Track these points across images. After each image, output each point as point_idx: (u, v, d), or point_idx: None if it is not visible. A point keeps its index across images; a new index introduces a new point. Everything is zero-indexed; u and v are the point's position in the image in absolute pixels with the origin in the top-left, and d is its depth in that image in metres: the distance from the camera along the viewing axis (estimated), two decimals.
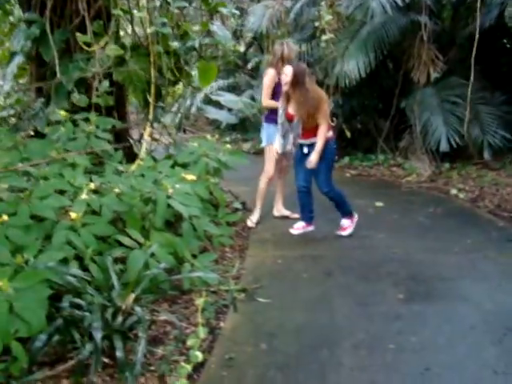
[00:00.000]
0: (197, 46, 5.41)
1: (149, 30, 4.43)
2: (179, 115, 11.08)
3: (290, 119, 4.57)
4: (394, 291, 3.63)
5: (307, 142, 4.54)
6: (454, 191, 6.50)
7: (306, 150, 4.54)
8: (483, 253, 4.39)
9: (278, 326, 3.19)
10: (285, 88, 4.44)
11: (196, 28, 5.32)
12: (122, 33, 5.62)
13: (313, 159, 4.43)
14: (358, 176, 7.77)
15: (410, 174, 7.37)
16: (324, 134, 4.44)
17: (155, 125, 5.60)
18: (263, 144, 5.24)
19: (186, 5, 5.09)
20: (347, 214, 4.82)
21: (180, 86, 6.75)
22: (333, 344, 2.96)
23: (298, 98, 4.42)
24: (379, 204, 5.86)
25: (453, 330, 3.10)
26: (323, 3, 7.82)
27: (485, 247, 4.54)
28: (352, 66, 7.18)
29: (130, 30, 5.49)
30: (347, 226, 4.81)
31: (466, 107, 7.46)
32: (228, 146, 5.21)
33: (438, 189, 6.75)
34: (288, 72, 4.39)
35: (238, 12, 5.80)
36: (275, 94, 4.93)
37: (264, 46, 11.00)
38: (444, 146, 7.07)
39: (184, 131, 11.40)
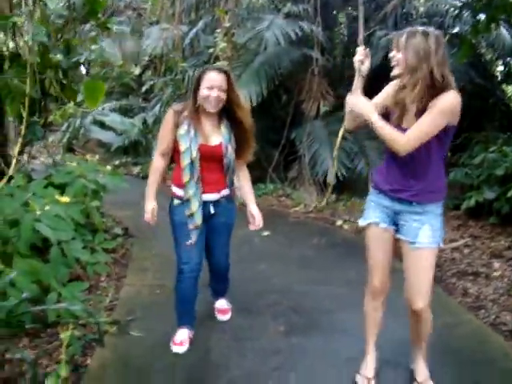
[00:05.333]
0: (82, 60, 5.12)
1: (26, 38, 4.11)
2: (67, 135, 10.59)
3: None
4: (274, 324, 3.53)
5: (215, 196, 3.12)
6: (339, 222, 6.63)
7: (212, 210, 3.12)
8: (364, 285, 4.43)
9: (149, 363, 2.97)
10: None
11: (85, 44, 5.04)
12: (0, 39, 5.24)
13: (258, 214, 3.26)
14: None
15: (298, 204, 7.45)
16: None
17: (39, 143, 5.22)
18: None
19: (64, 13, 4.79)
20: (226, 290, 3.72)
21: (71, 104, 6.41)
22: (207, 383, 2.79)
23: None
24: (265, 233, 5.82)
25: (330, 362, 3.05)
26: (219, 30, 7.85)
27: (365, 279, 4.59)
28: (244, 95, 7.20)
29: (9, 39, 5.10)
30: (228, 307, 3.72)
31: (352, 141, 7.77)
32: (108, 167, 4.93)
33: (324, 219, 6.86)
34: None
35: (127, 29, 5.57)
36: None
37: (159, 69, 10.85)
38: (331, 178, 7.25)
39: (73, 152, 10.91)
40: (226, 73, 2.93)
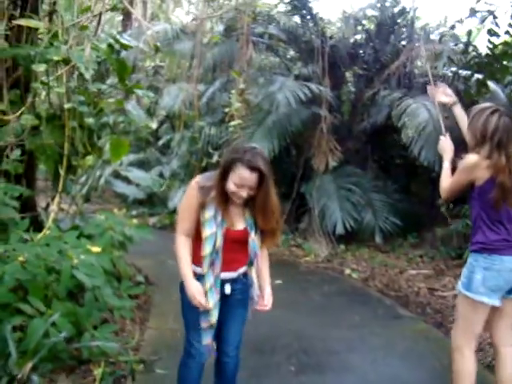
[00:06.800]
0: (111, 122, 5.62)
1: (66, 106, 4.61)
2: (87, 186, 11.08)
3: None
4: (286, 364, 3.86)
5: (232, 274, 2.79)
6: (347, 271, 6.97)
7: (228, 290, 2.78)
8: (370, 328, 4.76)
9: None
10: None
11: (111, 106, 5.54)
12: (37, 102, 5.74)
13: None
14: None
15: (309, 254, 7.79)
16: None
17: (63, 195, 5.65)
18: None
19: (105, 87, 5.34)
20: None
21: (90, 157, 6.88)
22: None
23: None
24: (278, 282, 6.13)
25: None
26: (233, 91, 8.43)
27: (372, 323, 4.92)
28: None
29: (46, 102, 5.61)
30: None
31: (360, 194, 8.19)
32: (134, 220, 5.35)
33: (334, 269, 7.20)
34: None
35: (152, 94, 6.09)
36: None
37: (176, 125, 11.42)
38: (339, 229, 7.63)
39: (91, 202, 11.37)
40: (260, 172, 2.50)
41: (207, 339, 2.74)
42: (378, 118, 8.58)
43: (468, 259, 2.98)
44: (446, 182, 3.04)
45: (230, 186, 2.55)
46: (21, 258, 3.65)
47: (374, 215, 7.99)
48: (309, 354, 4.06)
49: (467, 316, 2.97)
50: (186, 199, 2.73)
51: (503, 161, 2.81)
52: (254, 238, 2.71)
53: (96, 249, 4.23)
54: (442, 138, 3.29)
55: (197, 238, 2.69)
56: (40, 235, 4.23)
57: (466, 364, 2.94)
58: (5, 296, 3.41)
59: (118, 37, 5.30)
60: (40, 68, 4.39)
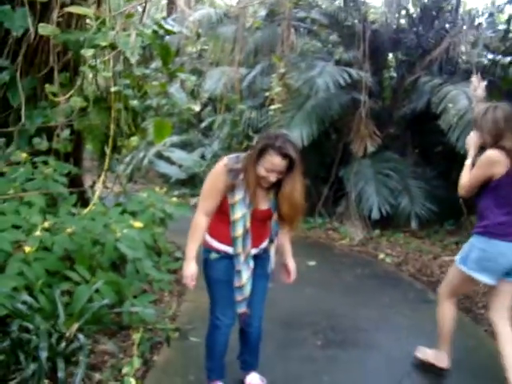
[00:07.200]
0: (154, 105, 5.87)
1: (112, 89, 4.86)
2: (131, 166, 11.46)
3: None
4: (313, 338, 4.06)
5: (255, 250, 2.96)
6: (381, 255, 7.07)
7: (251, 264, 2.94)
8: (398, 310, 4.89)
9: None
10: None
11: (155, 89, 5.78)
12: (85, 84, 6.04)
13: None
14: (296, 237, 8.26)
15: (344, 237, 7.92)
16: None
17: (108, 173, 5.95)
18: None
19: (149, 71, 5.59)
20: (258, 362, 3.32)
21: (135, 138, 7.17)
22: None
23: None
24: (312, 263, 6.33)
25: (360, 371, 3.54)
26: (274, 75, 8.56)
27: (401, 305, 5.05)
28: (296, 135, 7.79)
29: (94, 85, 5.90)
30: (263, 382, 3.28)
31: (397, 180, 8.23)
32: (174, 199, 5.61)
33: (368, 253, 7.31)
34: None
35: (194, 78, 6.30)
36: None
37: (218, 108, 11.64)
38: (375, 214, 7.72)
39: (135, 182, 11.78)
40: (290, 158, 2.62)
41: (242, 309, 2.96)
42: (418, 104, 8.55)
43: (470, 239, 3.28)
44: (466, 178, 3.21)
45: (261, 170, 2.65)
46: (69, 230, 3.95)
47: (410, 201, 8.00)
48: (336, 331, 4.24)
49: (455, 283, 3.45)
50: (212, 180, 2.78)
51: None
52: (276, 219, 2.87)
53: (138, 224, 4.49)
54: (471, 133, 3.38)
55: (223, 220, 2.80)
56: (86, 210, 4.52)
57: (447, 313, 3.53)
58: (54, 264, 3.72)
59: (162, 22, 5.52)
60: (88, 53, 4.63)
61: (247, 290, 2.89)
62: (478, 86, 3.61)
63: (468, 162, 3.27)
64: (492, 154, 3.06)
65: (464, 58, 8.40)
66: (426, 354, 3.67)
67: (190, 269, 2.83)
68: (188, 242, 2.83)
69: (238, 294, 2.90)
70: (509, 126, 3.07)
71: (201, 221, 2.81)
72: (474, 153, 3.28)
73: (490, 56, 6.89)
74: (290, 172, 2.68)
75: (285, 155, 2.61)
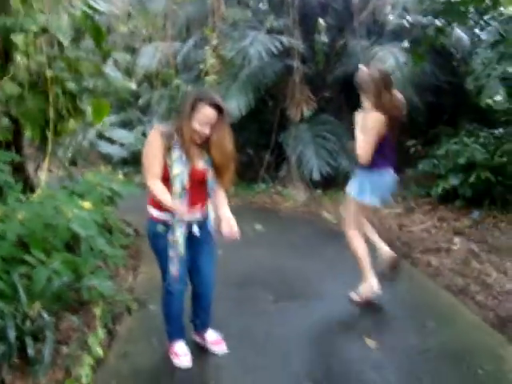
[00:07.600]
0: (90, 86, 5.90)
1: (48, 73, 4.89)
2: (71, 149, 11.34)
3: None
4: (265, 294, 4.35)
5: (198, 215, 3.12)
6: (324, 214, 7.43)
7: (196, 229, 3.09)
8: (341, 260, 5.24)
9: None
10: None
11: (90, 70, 5.80)
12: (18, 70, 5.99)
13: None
14: (241, 203, 8.53)
15: (288, 200, 8.24)
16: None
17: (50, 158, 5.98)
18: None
19: (82, 53, 5.60)
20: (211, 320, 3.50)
21: (72, 121, 7.16)
22: None
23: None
24: (258, 227, 6.60)
25: (308, 318, 3.89)
26: (207, 47, 8.67)
27: (343, 255, 5.39)
28: (234, 105, 7.98)
29: (27, 70, 5.86)
30: (220, 336, 3.48)
31: (335, 141, 8.58)
32: (120, 176, 5.72)
33: (311, 212, 7.66)
34: None
35: (128, 56, 6.35)
36: None
37: (154, 84, 11.63)
38: (316, 175, 8.07)
39: (75, 164, 11.67)
40: (220, 109, 2.87)
41: (175, 269, 3.07)
42: (349, 67, 8.86)
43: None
44: (363, 147, 3.84)
45: (195, 125, 2.84)
46: (20, 217, 4.03)
47: (349, 161, 8.38)
48: (286, 285, 4.56)
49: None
50: (150, 146, 2.92)
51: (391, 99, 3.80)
52: (211, 176, 3.01)
53: (87, 204, 4.61)
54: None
55: (166, 187, 2.93)
56: (35, 195, 4.60)
57: (361, 243, 4.22)
58: (8, 250, 3.80)
59: (91, 2, 5.53)
60: (19, 38, 4.64)
61: (181, 249, 3.01)
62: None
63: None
64: (378, 115, 3.72)
65: (390, 19, 8.72)
66: (358, 292, 4.11)
67: (177, 204, 2.91)
68: (160, 198, 2.91)
69: (171, 250, 3.03)
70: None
71: (156, 183, 2.92)
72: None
73: (409, 18, 7.24)
74: (219, 123, 2.88)
75: (215, 105, 2.83)
